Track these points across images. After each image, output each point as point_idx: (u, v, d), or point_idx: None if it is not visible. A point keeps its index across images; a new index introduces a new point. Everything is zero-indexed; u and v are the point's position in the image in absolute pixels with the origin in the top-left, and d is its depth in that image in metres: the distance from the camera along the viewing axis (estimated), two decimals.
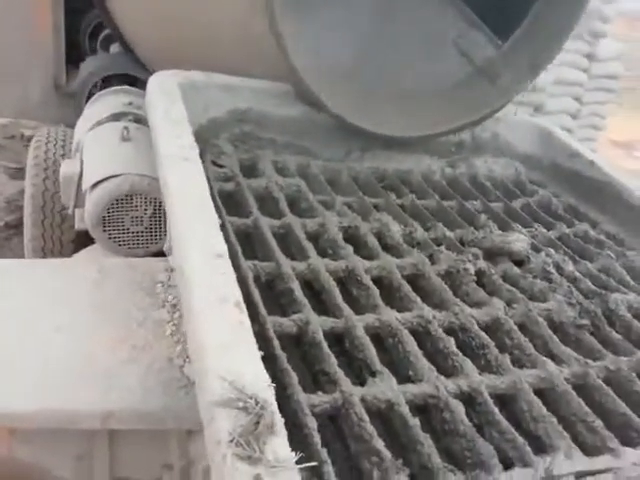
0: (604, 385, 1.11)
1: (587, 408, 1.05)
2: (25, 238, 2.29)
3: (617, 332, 1.29)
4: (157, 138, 1.33)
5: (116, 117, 2.08)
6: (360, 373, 1.04)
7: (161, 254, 1.72)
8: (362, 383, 0.99)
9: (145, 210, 1.80)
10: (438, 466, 0.88)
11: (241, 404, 0.73)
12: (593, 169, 1.89)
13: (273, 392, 0.78)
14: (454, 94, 1.86)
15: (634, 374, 1.15)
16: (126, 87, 2.38)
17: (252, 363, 0.81)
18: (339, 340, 1.11)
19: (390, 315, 1.15)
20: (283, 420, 0.75)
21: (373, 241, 1.40)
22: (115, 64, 2.62)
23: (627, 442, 0.99)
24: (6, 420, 1.11)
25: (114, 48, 2.84)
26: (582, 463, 0.93)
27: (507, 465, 0.92)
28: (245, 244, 1.29)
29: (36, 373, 1.13)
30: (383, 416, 0.97)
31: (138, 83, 2.50)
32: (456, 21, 1.97)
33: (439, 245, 1.47)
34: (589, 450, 0.97)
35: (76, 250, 2.17)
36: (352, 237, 1.41)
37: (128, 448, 1.16)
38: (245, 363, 0.80)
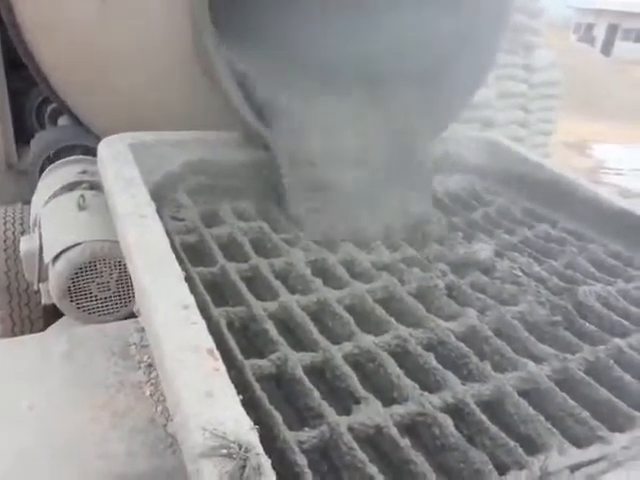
0: (585, 376, 1.13)
1: (572, 401, 1.06)
2: None
3: (590, 323, 1.32)
4: (113, 200, 1.33)
5: (71, 187, 2.07)
6: (345, 402, 1.03)
7: (133, 316, 1.70)
8: (348, 412, 0.98)
9: (110, 275, 1.78)
10: None
11: (225, 451, 0.72)
12: (543, 171, 1.95)
13: (257, 434, 0.76)
14: None
15: (612, 361, 1.17)
16: (78, 157, 2.37)
17: (232, 409, 0.79)
18: (320, 373, 1.11)
19: (367, 340, 1.15)
20: (270, 461, 0.74)
21: (341, 271, 1.41)
22: (65, 136, 2.60)
23: (615, 428, 1.00)
24: None
25: (62, 121, 2.85)
26: (575, 455, 0.94)
27: (503, 470, 0.92)
28: (215, 293, 1.28)
29: (14, 456, 1.08)
30: (373, 441, 0.96)
31: (90, 152, 2.50)
32: None
33: (407, 265, 1.49)
34: (580, 442, 0.98)
35: (46, 326, 2.13)
36: (320, 270, 1.42)
37: None
38: (224, 410, 0.79)
